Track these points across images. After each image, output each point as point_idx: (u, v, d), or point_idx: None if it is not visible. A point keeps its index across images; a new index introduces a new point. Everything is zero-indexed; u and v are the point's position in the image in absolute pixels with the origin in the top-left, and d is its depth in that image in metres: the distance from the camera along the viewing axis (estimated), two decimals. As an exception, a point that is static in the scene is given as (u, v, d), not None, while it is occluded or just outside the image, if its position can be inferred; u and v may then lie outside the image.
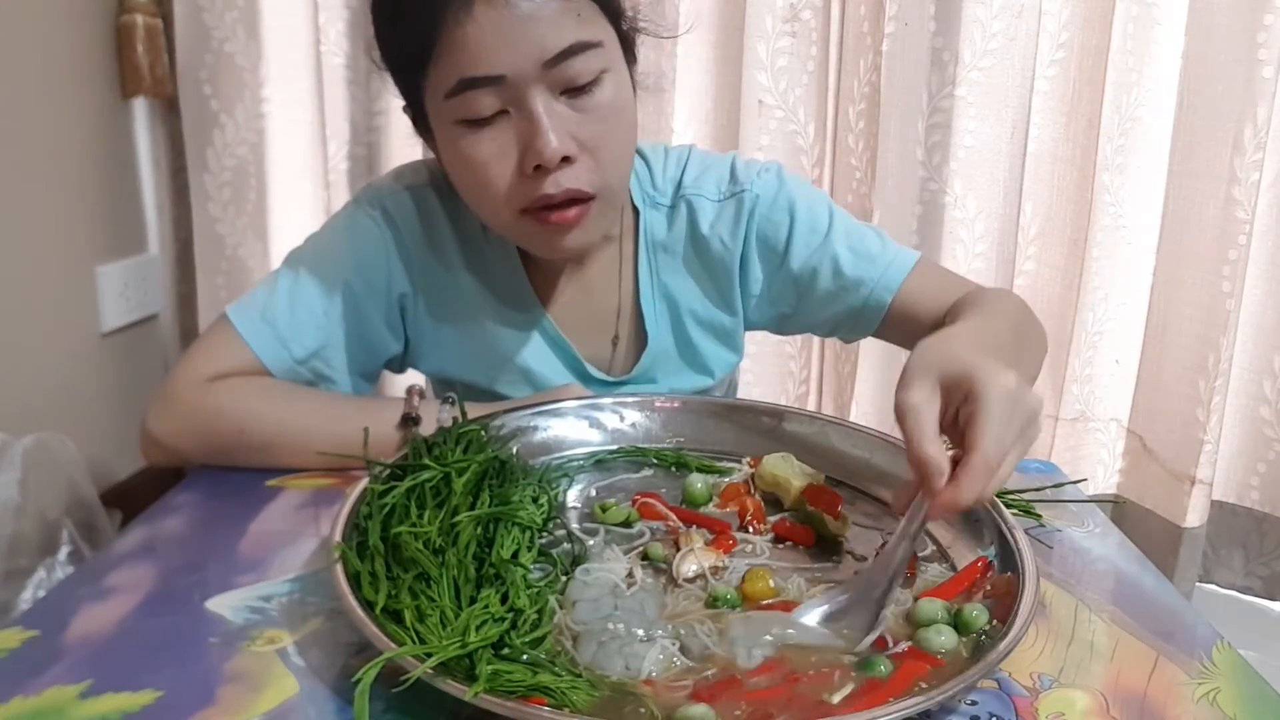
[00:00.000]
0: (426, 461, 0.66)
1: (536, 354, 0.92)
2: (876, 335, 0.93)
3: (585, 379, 0.92)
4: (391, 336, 0.90)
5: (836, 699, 0.50)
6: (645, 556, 0.63)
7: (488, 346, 0.91)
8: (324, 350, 0.84)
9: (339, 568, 0.55)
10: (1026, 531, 0.63)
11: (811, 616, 0.56)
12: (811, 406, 1.59)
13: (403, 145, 1.54)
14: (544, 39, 0.71)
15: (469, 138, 0.75)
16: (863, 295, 0.90)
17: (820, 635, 0.55)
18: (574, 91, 0.74)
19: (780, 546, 0.67)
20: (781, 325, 0.98)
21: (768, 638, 0.54)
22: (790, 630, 0.55)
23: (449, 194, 0.88)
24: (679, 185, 0.92)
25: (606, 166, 0.77)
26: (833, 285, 0.91)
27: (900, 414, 0.57)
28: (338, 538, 0.58)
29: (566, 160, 0.74)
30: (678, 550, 0.63)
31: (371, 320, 0.87)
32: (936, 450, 0.55)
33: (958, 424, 0.57)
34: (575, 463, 0.78)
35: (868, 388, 1.52)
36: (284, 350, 0.82)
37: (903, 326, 0.89)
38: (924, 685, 0.50)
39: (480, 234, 0.89)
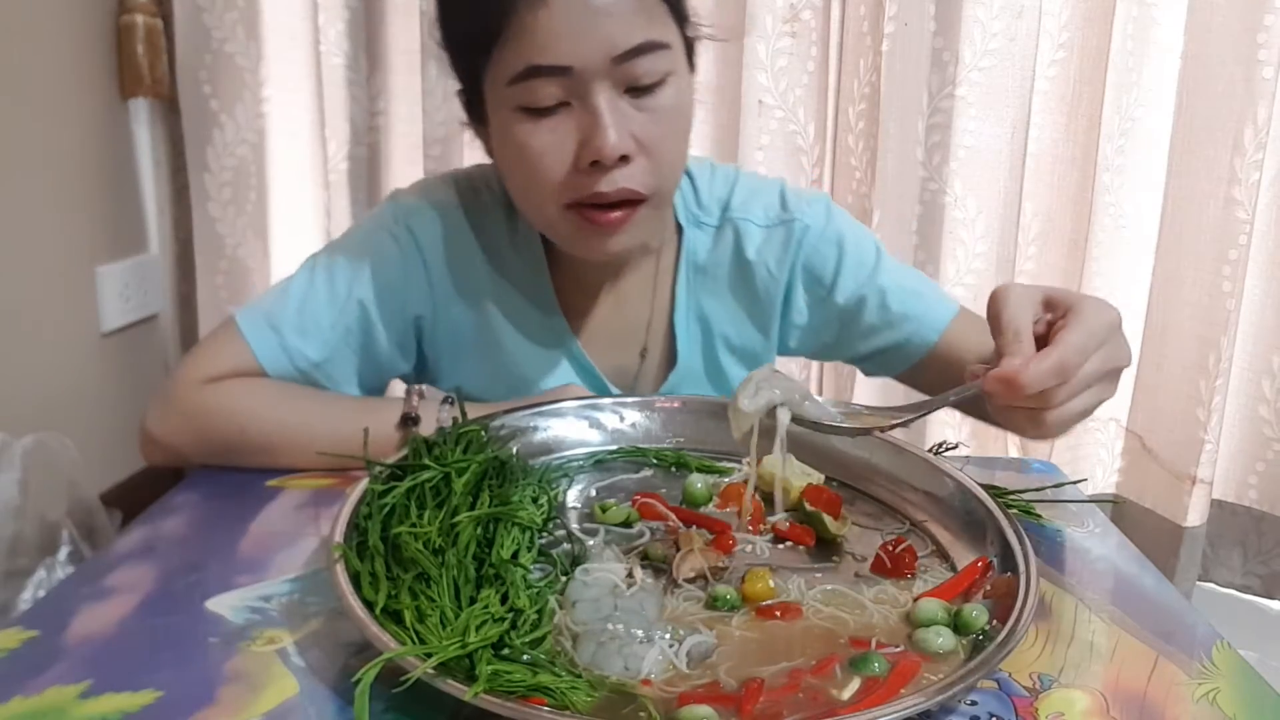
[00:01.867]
0: (426, 461, 0.66)
1: (559, 376, 0.90)
2: (907, 377, 0.91)
3: None
4: (401, 358, 0.88)
5: (846, 695, 0.50)
6: (645, 557, 0.63)
7: (508, 367, 0.90)
8: (327, 364, 0.83)
9: (339, 568, 0.55)
10: (1026, 531, 0.63)
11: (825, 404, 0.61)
12: (811, 406, 1.59)
13: (403, 145, 1.54)
14: (615, 34, 0.70)
15: (527, 126, 0.73)
16: (907, 331, 0.88)
17: (830, 415, 0.60)
18: (638, 91, 0.73)
19: (780, 547, 0.67)
20: (820, 354, 0.97)
21: (777, 392, 0.58)
22: (807, 402, 0.59)
23: (476, 209, 0.86)
24: (726, 207, 0.90)
25: (662, 169, 0.76)
26: (878, 319, 0.89)
27: (996, 296, 0.60)
28: (338, 538, 0.58)
29: (624, 159, 0.73)
30: (677, 550, 0.63)
31: (381, 340, 0.86)
32: (1027, 324, 0.58)
33: (1047, 341, 0.59)
34: (575, 463, 0.78)
35: (868, 388, 1.53)
36: (286, 359, 0.82)
37: (944, 369, 0.87)
38: (924, 684, 0.50)
39: (508, 246, 0.87)
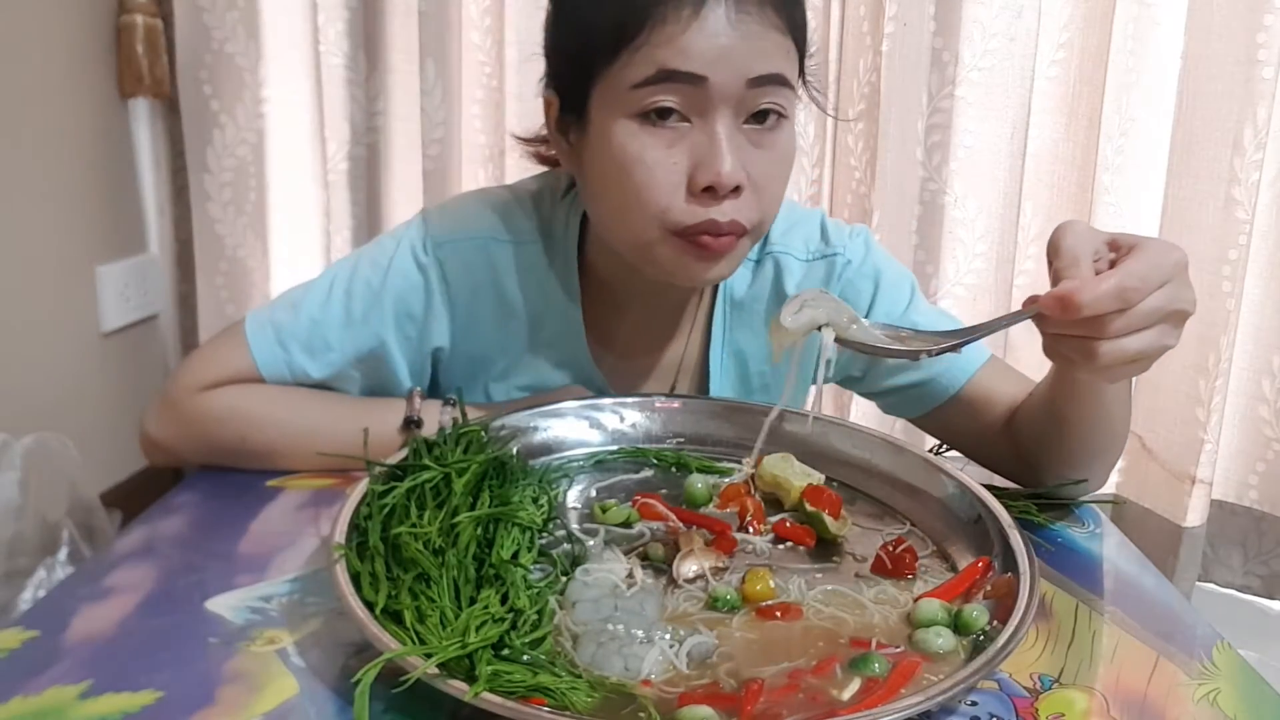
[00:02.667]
0: (426, 462, 0.66)
1: None
2: (929, 421, 0.88)
3: None
4: (413, 381, 0.85)
5: (846, 695, 0.50)
6: (645, 557, 0.63)
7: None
8: (330, 382, 0.82)
9: (339, 568, 0.55)
10: (1026, 532, 0.63)
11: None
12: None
13: (402, 145, 1.54)
14: (755, 58, 0.69)
15: (642, 136, 0.71)
16: (934, 372, 0.85)
17: (877, 338, 0.60)
18: (757, 124, 0.71)
19: (780, 547, 0.67)
20: (848, 385, 0.95)
21: (821, 311, 0.59)
22: (854, 325, 0.60)
23: (513, 239, 0.84)
24: (766, 239, 0.88)
25: (765, 206, 0.74)
26: None
27: (1059, 228, 0.60)
28: (338, 538, 0.58)
29: (736, 190, 0.71)
30: (678, 551, 0.63)
31: (394, 369, 0.83)
32: (1086, 253, 0.57)
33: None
34: (575, 463, 0.78)
35: (864, 406, 1.52)
36: (289, 374, 0.81)
37: (970, 416, 0.84)
38: (924, 684, 0.50)
39: (542, 279, 0.85)
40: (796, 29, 0.73)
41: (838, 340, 0.62)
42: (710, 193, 0.71)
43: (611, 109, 0.72)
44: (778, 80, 0.71)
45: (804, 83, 0.78)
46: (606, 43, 0.70)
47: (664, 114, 0.70)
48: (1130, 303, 0.57)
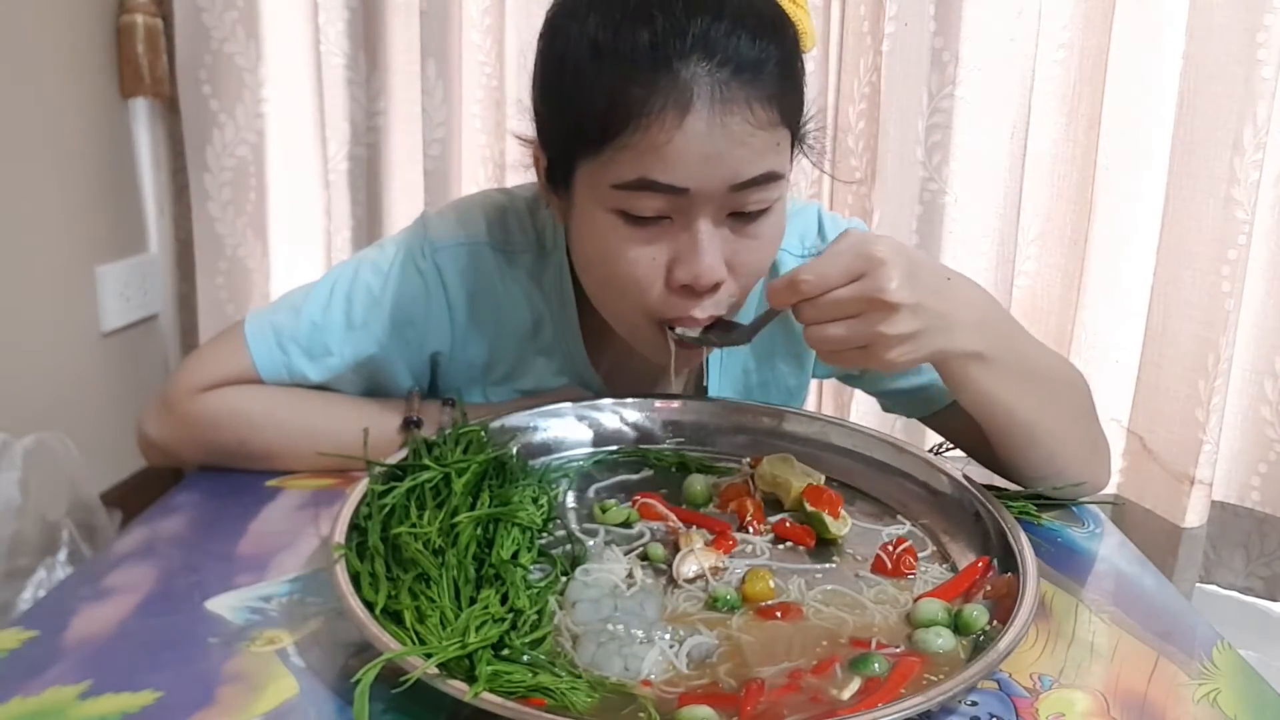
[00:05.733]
0: (426, 462, 0.66)
1: None
2: (933, 421, 0.88)
3: None
4: (413, 383, 0.85)
5: (846, 695, 0.50)
6: (645, 557, 0.63)
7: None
8: (330, 384, 0.82)
9: (339, 568, 0.55)
10: (1026, 532, 0.63)
11: None
12: (811, 406, 1.59)
13: (402, 145, 1.54)
14: (740, 164, 0.67)
15: (623, 231, 0.70)
16: (932, 377, 0.83)
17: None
18: (742, 216, 0.70)
19: (780, 547, 0.67)
20: (848, 382, 0.95)
21: None
22: None
23: (509, 248, 0.83)
24: None
25: (746, 283, 0.74)
26: None
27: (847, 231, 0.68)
28: (338, 538, 0.58)
29: (716, 285, 0.71)
30: (678, 551, 0.63)
31: (394, 372, 0.83)
32: (830, 250, 0.65)
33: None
34: (575, 463, 0.78)
35: (865, 402, 1.52)
36: (288, 377, 0.80)
37: (970, 420, 0.79)
38: (924, 684, 0.50)
39: (536, 288, 0.85)
40: (789, 113, 0.70)
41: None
42: (688, 289, 0.71)
43: (594, 198, 0.71)
44: (765, 179, 0.69)
45: (803, 145, 0.77)
46: (592, 133, 0.68)
47: (644, 217, 0.69)
48: (805, 294, 0.63)
